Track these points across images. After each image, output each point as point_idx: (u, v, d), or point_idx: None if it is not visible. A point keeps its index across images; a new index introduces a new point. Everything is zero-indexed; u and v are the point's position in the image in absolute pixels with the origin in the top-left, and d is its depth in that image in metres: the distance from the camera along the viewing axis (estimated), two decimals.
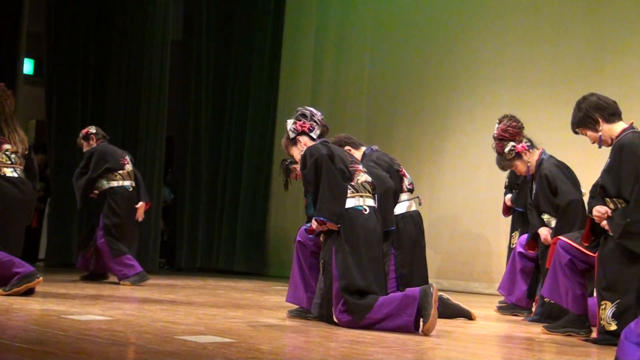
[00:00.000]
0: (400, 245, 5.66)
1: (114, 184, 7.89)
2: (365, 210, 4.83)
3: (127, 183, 7.93)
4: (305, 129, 5.09)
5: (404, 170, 5.89)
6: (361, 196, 4.85)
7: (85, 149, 8.05)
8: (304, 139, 5.09)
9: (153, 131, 10.68)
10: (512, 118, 6.18)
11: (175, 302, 6.06)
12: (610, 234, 4.59)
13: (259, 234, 11.49)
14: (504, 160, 6.31)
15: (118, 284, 7.61)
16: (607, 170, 4.69)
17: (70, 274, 8.45)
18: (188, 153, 11.66)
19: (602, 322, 4.54)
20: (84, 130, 8.14)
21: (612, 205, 4.63)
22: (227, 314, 5.33)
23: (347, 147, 5.62)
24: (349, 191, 4.82)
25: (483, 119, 8.90)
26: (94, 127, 8.21)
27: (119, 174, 7.90)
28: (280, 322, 5.01)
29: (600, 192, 4.73)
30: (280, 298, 6.17)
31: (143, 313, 5.10)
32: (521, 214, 6.78)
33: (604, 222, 4.63)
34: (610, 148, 4.77)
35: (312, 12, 11.38)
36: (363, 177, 4.92)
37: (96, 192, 7.90)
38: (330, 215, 4.73)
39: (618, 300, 4.49)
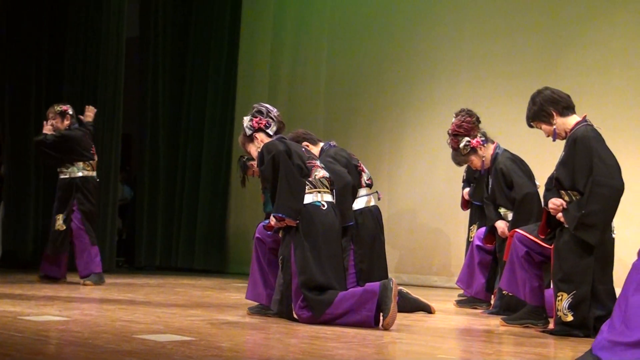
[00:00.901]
0: (359, 240, 5.68)
1: (86, 173, 7.77)
2: (324, 205, 4.83)
3: (95, 174, 7.86)
4: (262, 126, 5.09)
5: (362, 165, 5.90)
6: (319, 192, 4.85)
7: (52, 123, 7.76)
8: (260, 136, 5.08)
9: (109, 128, 10.57)
10: (467, 113, 6.22)
11: (134, 301, 6.01)
12: (566, 226, 4.65)
13: (218, 231, 11.44)
14: (460, 156, 6.35)
15: (78, 284, 7.51)
16: (562, 163, 4.74)
17: (26, 275, 8.33)
18: (146, 151, 11.57)
19: (558, 313, 4.59)
20: (64, 107, 7.86)
21: (567, 198, 4.69)
22: (187, 312, 5.30)
23: (304, 143, 5.61)
24: (306, 187, 4.82)
25: (441, 113, 8.95)
26: (71, 108, 7.94)
27: (90, 164, 7.81)
28: (240, 319, 5.00)
29: (555, 185, 4.78)
30: (240, 295, 6.15)
31: (101, 313, 5.05)
32: (479, 208, 6.83)
33: (560, 215, 4.69)
34: (564, 141, 4.83)
35: (269, 9, 11.35)
36: (321, 173, 4.92)
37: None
38: (288, 211, 4.73)
39: (574, 292, 4.54)
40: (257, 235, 5.28)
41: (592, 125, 4.76)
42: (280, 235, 4.96)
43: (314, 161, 4.99)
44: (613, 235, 4.76)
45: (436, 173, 9.31)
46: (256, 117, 5.11)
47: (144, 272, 10.62)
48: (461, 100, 8.43)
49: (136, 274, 10.28)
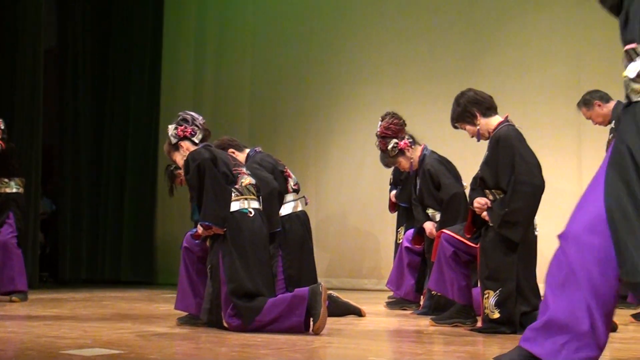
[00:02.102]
0: (288, 246, 5.67)
1: (20, 190, 7.56)
2: (251, 212, 4.80)
3: (22, 191, 7.66)
4: (187, 134, 5.04)
5: (288, 170, 5.89)
6: (246, 199, 4.82)
7: None
8: (186, 144, 5.03)
9: (28, 140, 10.32)
10: (394, 115, 6.27)
11: (60, 317, 5.87)
12: (491, 224, 4.72)
13: (146, 241, 11.30)
14: (388, 158, 6.40)
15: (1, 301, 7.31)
16: (486, 163, 4.82)
17: None
18: (68, 162, 11.36)
19: (486, 310, 4.66)
20: None
21: (491, 197, 4.76)
22: (115, 325, 5.20)
23: (230, 150, 5.58)
24: (233, 194, 4.79)
25: (366, 116, 9.01)
26: (3, 122, 7.66)
27: (22, 180, 7.60)
28: (170, 330, 4.93)
29: (480, 184, 4.85)
30: (169, 306, 6.07)
31: (26, 329, 4.92)
32: (406, 210, 6.89)
33: (485, 213, 4.76)
34: (487, 141, 4.91)
35: (191, 15, 11.28)
36: (247, 180, 4.90)
37: None
38: (215, 219, 4.69)
39: (500, 289, 4.61)
40: (184, 244, 5.23)
41: (513, 125, 4.85)
42: (208, 243, 4.91)
43: (240, 168, 4.97)
44: (536, 232, 4.86)
45: (363, 176, 9.37)
46: (181, 126, 5.06)
47: (70, 286, 10.40)
48: (386, 103, 8.50)
49: (61, 288, 10.07)
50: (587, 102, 6.53)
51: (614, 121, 6.20)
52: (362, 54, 9.65)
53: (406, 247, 6.57)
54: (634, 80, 2.55)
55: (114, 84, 11.55)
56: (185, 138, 5.04)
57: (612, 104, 6.44)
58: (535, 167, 4.69)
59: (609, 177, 2.58)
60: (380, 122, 6.21)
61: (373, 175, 8.81)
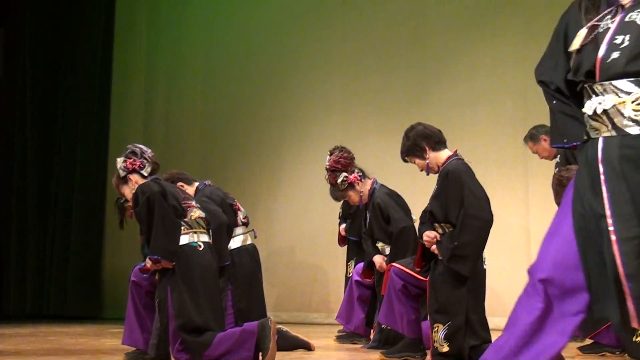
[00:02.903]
0: (237, 280, 5.64)
1: None
2: (200, 246, 4.77)
3: None
4: (136, 167, 4.99)
5: (238, 204, 5.89)
6: (195, 232, 4.79)
7: None
8: (134, 177, 4.99)
9: None
10: (343, 149, 6.30)
11: (4, 352, 5.74)
12: (440, 257, 4.75)
13: (93, 275, 11.11)
14: (338, 191, 6.40)
15: None
16: (435, 197, 4.86)
17: None
18: (13, 193, 11.17)
19: (435, 344, 4.67)
20: None
21: (440, 230, 4.80)
22: None
23: (179, 183, 5.55)
24: (182, 228, 4.75)
25: (316, 150, 9.03)
26: None
27: None
28: None
29: (429, 218, 4.88)
30: (117, 341, 5.97)
31: None
32: (356, 243, 6.90)
33: (434, 247, 4.79)
34: (437, 175, 4.95)
35: (142, 46, 11.23)
36: (196, 213, 4.87)
37: None
38: (164, 253, 4.64)
39: (449, 322, 4.63)
40: (132, 278, 5.18)
41: (462, 159, 4.91)
42: (156, 277, 4.86)
43: (189, 201, 4.94)
44: (484, 266, 4.89)
45: (313, 209, 9.37)
46: (130, 158, 5.01)
47: (13, 321, 10.17)
48: (336, 136, 8.54)
49: (4, 323, 9.84)
50: (534, 136, 6.63)
51: (559, 156, 6.31)
52: (312, 88, 9.70)
53: (356, 281, 6.56)
54: (591, 117, 2.61)
55: (62, 116, 11.42)
56: (134, 171, 4.99)
57: None
58: (484, 201, 4.75)
59: (576, 212, 2.62)
60: (329, 156, 6.24)
61: (323, 208, 8.81)
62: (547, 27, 8.05)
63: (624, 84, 2.53)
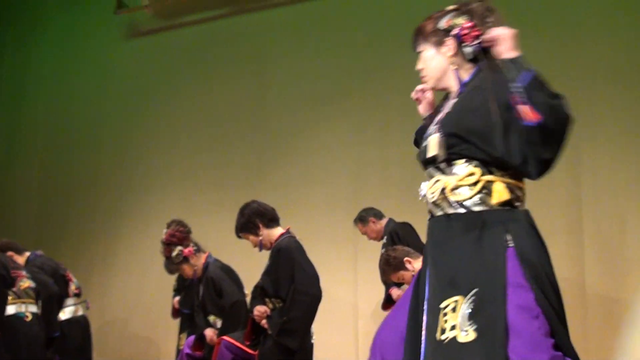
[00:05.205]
0: (66, 351, 5.56)
1: None
2: (28, 316, 4.70)
3: None
4: None
5: (70, 274, 5.83)
6: (23, 302, 4.72)
7: None
8: None
9: None
10: (179, 223, 6.37)
11: None
12: (269, 332, 4.88)
13: None
14: (172, 264, 6.43)
15: None
16: (266, 272, 5.02)
17: None
18: None
19: None
20: None
21: (271, 305, 4.95)
22: None
23: (9, 253, 5.46)
24: (10, 297, 4.68)
25: (153, 223, 8.99)
26: None
27: None
28: None
29: (260, 293, 5.03)
30: None
31: None
32: (188, 316, 6.91)
33: (264, 321, 4.93)
34: (269, 251, 5.12)
35: None
36: (26, 283, 4.82)
37: None
38: None
39: None
40: None
41: (294, 237, 5.11)
42: None
43: (18, 271, 4.88)
44: (312, 340, 5.06)
45: (148, 282, 9.29)
46: None
47: None
48: (174, 210, 8.56)
49: None
50: (363, 218, 6.97)
51: (385, 236, 6.65)
52: (151, 161, 9.69)
53: (187, 354, 6.55)
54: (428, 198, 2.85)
55: None
56: None
57: (384, 221, 6.91)
58: (313, 278, 4.95)
59: (412, 295, 2.83)
60: (166, 229, 6.30)
61: (158, 281, 8.75)
62: (379, 112, 8.53)
63: (431, 170, 2.80)
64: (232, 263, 6.44)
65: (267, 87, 9.17)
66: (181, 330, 7.17)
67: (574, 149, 6.17)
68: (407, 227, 6.52)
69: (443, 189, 2.68)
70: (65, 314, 5.65)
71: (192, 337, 6.48)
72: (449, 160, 2.70)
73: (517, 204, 2.67)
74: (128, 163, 9.87)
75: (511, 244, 2.57)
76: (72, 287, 5.78)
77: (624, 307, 6.41)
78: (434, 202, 2.73)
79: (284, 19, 9.03)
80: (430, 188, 2.75)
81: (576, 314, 6.31)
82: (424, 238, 3.37)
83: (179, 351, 6.98)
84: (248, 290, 5.92)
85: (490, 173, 2.64)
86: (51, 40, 10.70)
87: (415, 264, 4.88)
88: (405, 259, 4.98)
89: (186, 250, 6.27)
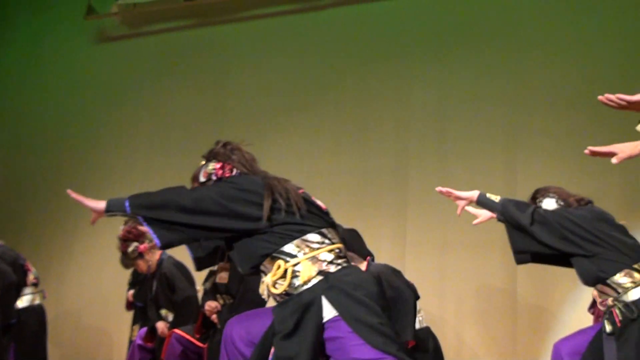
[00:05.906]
0: (21, 338, 5.68)
1: None
2: None
3: None
4: None
5: (29, 264, 5.96)
6: None
7: None
8: None
9: None
10: (136, 220, 6.58)
11: None
12: (219, 327, 5.12)
13: None
14: (128, 259, 6.59)
15: None
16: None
17: None
18: None
19: None
20: None
21: (221, 301, 5.19)
22: None
23: None
24: None
25: (113, 219, 9.08)
26: None
27: None
28: None
29: (212, 289, 5.26)
30: None
31: None
32: (142, 309, 7.08)
33: (214, 316, 5.17)
34: None
35: None
36: None
37: None
38: None
39: None
40: None
41: None
42: None
43: None
44: None
45: (105, 275, 9.43)
46: None
47: None
48: None
49: None
50: None
51: None
52: (112, 163, 9.62)
53: (139, 345, 6.72)
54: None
55: None
56: None
57: None
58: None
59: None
60: (123, 225, 6.51)
61: (114, 274, 8.89)
62: (332, 124, 8.78)
63: None
64: (186, 260, 6.65)
65: (226, 97, 9.37)
66: (134, 322, 7.31)
67: (510, 163, 6.55)
68: (353, 233, 6.78)
69: None
70: (22, 302, 5.77)
71: (145, 329, 6.64)
72: None
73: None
74: (90, 163, 9.99)
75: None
76: (31, 277, 5.90)
77: (551, 316, 6.81)
78: None
79: (246, 33, 9.22)
80: None
81: (508, 321, 6.73)
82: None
83: (131, 342, 7.15)
84: (199, 285, 6.15)
85: None
86: (20, 43, 10.84)
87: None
88: None
89: (142, 247, 6.44)
